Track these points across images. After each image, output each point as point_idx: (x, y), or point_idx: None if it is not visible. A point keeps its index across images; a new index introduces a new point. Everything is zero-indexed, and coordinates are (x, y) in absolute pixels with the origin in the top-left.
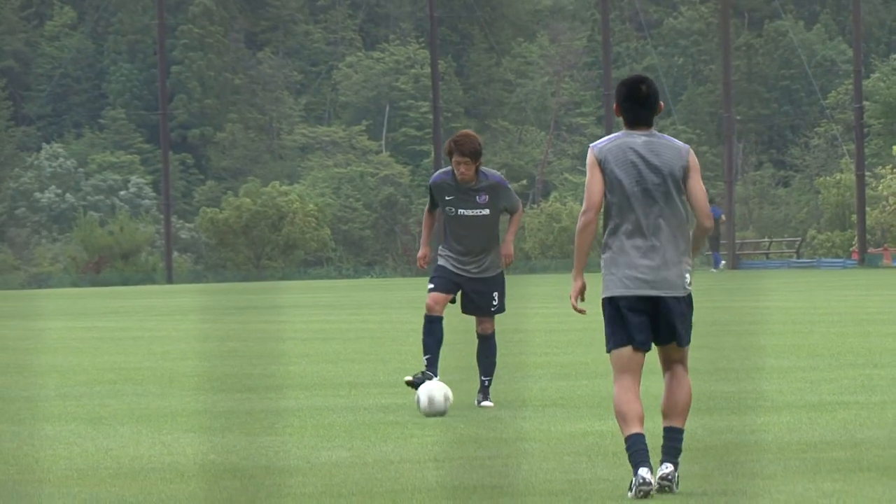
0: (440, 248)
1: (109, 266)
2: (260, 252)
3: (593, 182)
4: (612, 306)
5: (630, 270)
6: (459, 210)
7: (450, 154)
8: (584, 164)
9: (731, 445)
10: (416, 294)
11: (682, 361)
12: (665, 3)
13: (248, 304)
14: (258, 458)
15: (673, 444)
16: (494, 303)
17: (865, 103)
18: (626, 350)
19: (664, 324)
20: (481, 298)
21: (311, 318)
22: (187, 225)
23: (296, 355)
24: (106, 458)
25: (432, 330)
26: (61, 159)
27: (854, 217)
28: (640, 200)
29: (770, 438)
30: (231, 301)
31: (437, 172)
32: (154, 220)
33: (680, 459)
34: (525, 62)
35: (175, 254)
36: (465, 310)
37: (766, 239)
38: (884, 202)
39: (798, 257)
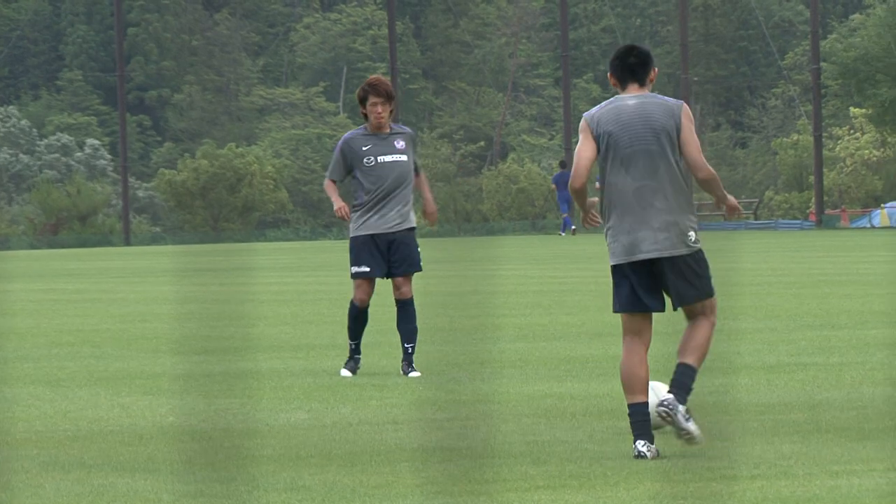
0: (355, 215)
1: (67, 228)
2: (218, 214)
3: (582, 148)
4: (618, 272)
5: (630, 235)
6: (379, 157)
7: (362, 101)
8: (541, 126)
9: (690, 406)
10: None
11: (704, 313)
12: None
13: (206, 266)
14: (217, 420)
15: (681, 379)
16: (419, 259)
17: (823, 64)
18: (633, 315)
19: (674, 286)
20: (409, 253)
21: (269, 280)
22: (145, 185)
23: (254, 317)
24: (64, 420)
25: (362, 318)
26: (14, 119)
27: (811, 178)
28: (635, 161)
29: (728, 400)
30: (189, 263)
31: (348, 132)
32: (111, 182)
33: (688, 397)
34: (483, 23)
35: (132, 215)
36: (391, 273)
37: None
38: (841, 164)
39: (756, 218)
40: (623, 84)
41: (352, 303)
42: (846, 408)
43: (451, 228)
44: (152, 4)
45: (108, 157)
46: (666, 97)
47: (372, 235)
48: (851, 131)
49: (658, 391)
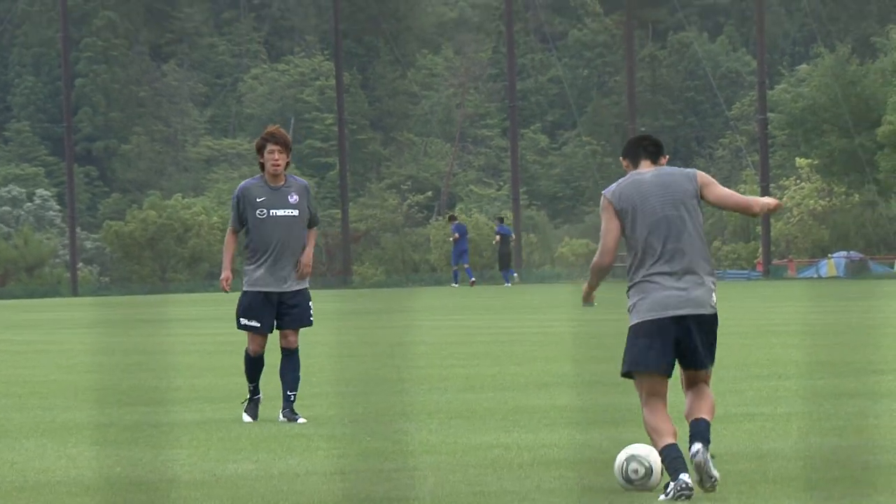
0: (248, 268)
1: (14, 279)
2: (165, 265)
3: (609, 227)
4: (640, 331)
5: (657, 295)
6: (272, 211)
7: (260, 149)
8: (489, 176)
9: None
10: (321, 306)
11: (706, 380)
12: (569, 14)
13: (154, 317)
14: (164, 470)
15: (699, 431)
16: (311, 315)
17: (770, 115)
18: (654, 376)
19: (692, 344)
20: (300, 311)
21: (216, 330)
22: (92, 236)
23: (201, 368)
24: (11, 471)
25: (258, 364)
26: None
27: (759, 229)
28: (659, 231)
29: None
30: (136, 314)
31: (245, 180)
32: (59, 233)
33: (709, 447)
34: (430, 74)
35: (80, 266)
36: (281, 325)
37: None
38: (788, 213)
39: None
40: (636, 163)
41: (246, 352)
42: (793, 458)
43: (398, 279)
44: (100, 56)
45: (57, 207)
46: (678, 169)
47: (265, 293)
48: (798, 182)
49: (640, 456)
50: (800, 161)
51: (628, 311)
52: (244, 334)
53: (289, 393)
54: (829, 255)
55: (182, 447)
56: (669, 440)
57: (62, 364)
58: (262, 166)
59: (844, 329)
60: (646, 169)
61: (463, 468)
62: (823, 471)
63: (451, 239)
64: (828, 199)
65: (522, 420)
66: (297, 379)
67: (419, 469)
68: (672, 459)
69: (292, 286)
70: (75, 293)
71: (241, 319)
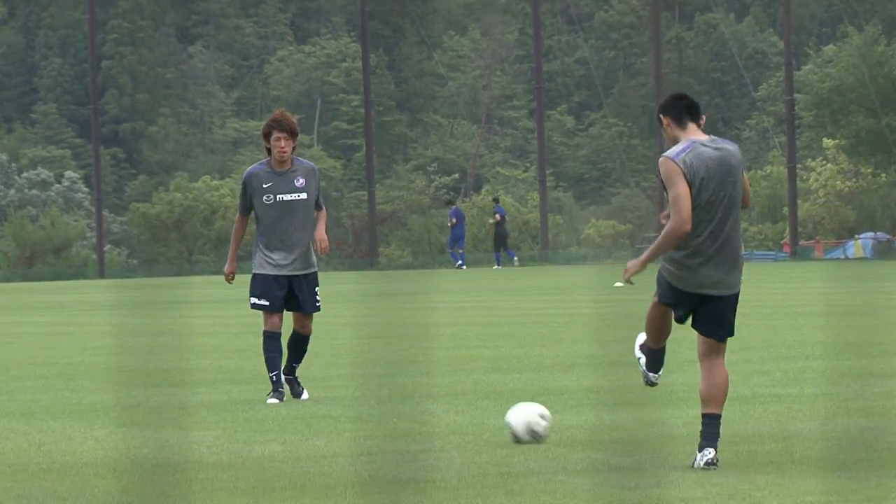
0: (258, 253)
1: (41, 261)
2: (192, 247)
3: (684, 192)
4: (670, 289)
5: (698, 273)
6: (279, 196)
7: (267, 135)
8: (515, 158)
9: (664, 438)
10: (348, 288)
11: (721, 352)
12: None
13: (180, 299)
14: (191, 452)
15: (712, 430)
16: (318, 301)
17: (797, 96)
18: (665, 308)
19: (713, 319)
20: (305, 297)
21: (243, 311)
22: (119, 219)
23: (228, 350)
24: (38, 453)
25: (275, 346)
26: None
27: (786, 210)
28: (716, 206)
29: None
30: (163, 296)
31: (252, 166)
32: (87, 215)
33: (718, 444)
34: (456, 56)
35: (107, 248)
36: (290, 308)
37: None
38: (814, 195)
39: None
40: (681, 124)
41: (264, 333)
42: (820, 439)
43: (424, 261)
44: (126, 38)
45: (85, 189)
46: (729, 143)
47: (275, 276)
48: (824, 163)
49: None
50: (826, 142)
51: (658, 270)
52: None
53: (293, 364)
54: (856, 236)
55: (208, 429)
56: (661, 344)
57: (88, 346)
58: (269, 151)
59: (871, 310)
60: (699, 136)
61: (490, 449)
62: (850, 452)
63: (449, 224)
64: (854, 179)
65: (549, 401)
66: (303, 355)
67: (446, 450)
68: (653, 359)
69: (301, 269)
70: (102, 275)
71: (252, 299)
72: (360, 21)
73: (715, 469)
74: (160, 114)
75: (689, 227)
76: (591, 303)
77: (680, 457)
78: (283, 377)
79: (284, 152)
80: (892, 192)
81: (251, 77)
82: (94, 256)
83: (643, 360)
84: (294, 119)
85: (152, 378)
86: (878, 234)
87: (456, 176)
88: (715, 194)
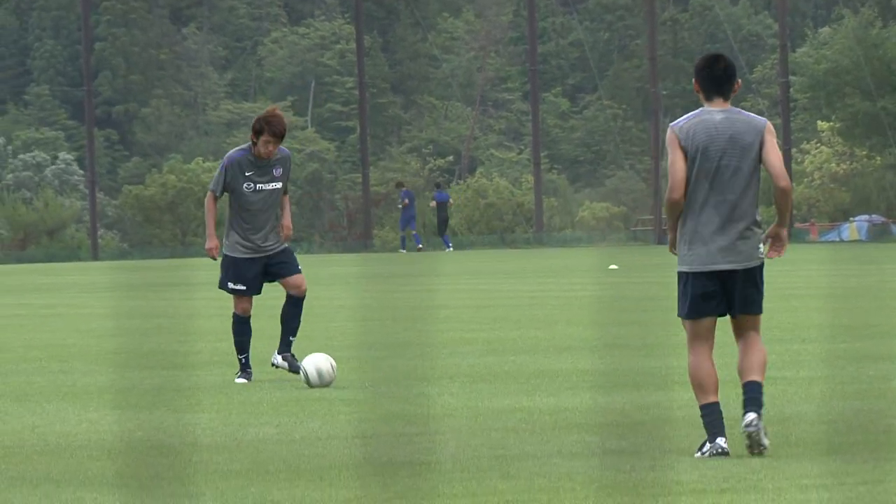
0: (231, 235)
1: (35, 242)
2: (186, 228)
3: (676, 161)
4: (687, 279)
5: (706, 246)
6: (258, 185)
7: (258, 132)
8: (510, 140)
9: (660, 421)
10: (343, 270)
11: (755, 328)
12: None
13: (175, 281)
14: (185, 434)
15: (753, 396)
16: (298, 263)
17: (792, 78)
18: (700, 321)
19: (738, 294)
20: (285, 262)
21: None
22: (113, 202)
23: (222, 332)
24: (32, 435)
25: (246, 329)
26: None
27: None
28: (719, 175)
29: (698, 414)
30: (157, 277)
31: (234, 150)
32: (81, 197)
33: (762, 412)
34: (451, 37)
35: (101, 230)
36: (281, 275)
37: None
38: (809, 177)
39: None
40: (708, 96)
41: (234, 314)
42: (816, 422)
43: None
44: (120, 19)
45: (80, 171)
46: (751, 114)
47: (249, 258)
48: (819, 145)
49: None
50: (821, 124)
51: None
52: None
53: (290, 338)
54: (851, 219)
55: (203, 411)
56: (712, 398)
57: (83, 328)
58: (253, 142)
59: (866, 292)
60: (717, 106)
61: (485, 432)
62: (846, 434)
63: (399, 205)
64: (849, 162)
65: (544, 384)
66: (299, 326)
67: (441, 433)
68: (711, 421)
69: (275, 248)
70: (96, 257)
71: (229, 283)
72: (354, 2)
73: (757, 431)
74: (153, 95)
75: (677, 194)
76: (586, 285)
77: (675, 440)
78: (276, 357)
79: (270, 154)
80: (886, 175)
81: (245, 59)
82: (88, 239)
83: (705, 447)
84: (285, 122)
85: (147, 360)
86: (873, 216)
87: (450, 158)
88: (718, 162)
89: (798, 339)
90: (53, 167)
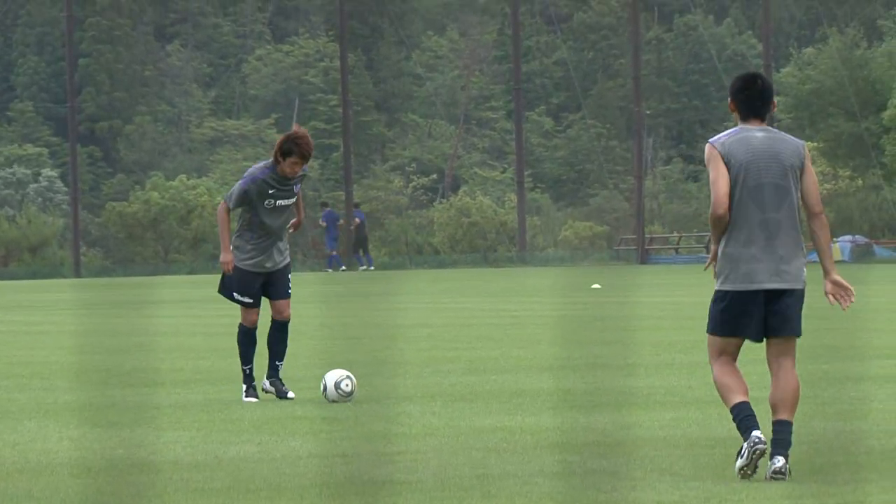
0: (243, 246)
1: (16, 259)
2: (168, 246)
3: (720, 177)
4: (726, 296)
5: (751, 265)
6: (278, 202)
7: (285, 153)
8: (493, 159)
9: (640, 441)
10: (325, 289)
11: (791, 354)
12: None
13: (157, 299)
14: (166, 452)
15: (783, 437)
16: (289, 288)
17: (776, 98)
18: (731, 340)
19: (778, 316)
20: (282, 283)
21: (220, 312)
22: (96, 219)
23: (204, 350)
24: (13, 452)
25: (252, 341)
26: None
27: None
28: (762, 195)
29: (679, 434)
30: (139, 295)
31: (257, 168)
32: (63, 214)
33: (790, 452)
34: (435, 56)
35: (84, 248)
36: (270, 296)
37: (675, 234)
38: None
39: (708, 252)
40: (745, 117)
41: (241, 326)
42: (797, 442)
43: (401, 261)
44: (104, 35)
45: (64, 189)
46: (789, 136)
47: (256, 272)
48: None
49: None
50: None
51: (715, 276)
52: (240, 315)
53: (277, 363)
54: (835, 239)
55: (184, 429)
56: (741, 398)
57: (64, 345)
58: (277, 161)
59: (849, 313)
60: (755, 125)
61: (466, 451)
62: (827, 455)
63: (322, 225)
64: (833, 182)
65: (526, 403)
66: (286, 349)
67: (422, 452)
68: (743, 418)
69: (280, 264)
70: (78, 274)
71: (236, 294)
72: (338, 21)
73: (784, 479)
74: (137, 112)
75: (721, 210)
76: (568, 305)
77: (656, 460)
78: (265, 381)
79: (295, 174)
80: (870, 196)
81: (229, 76)
82: (71, 257)
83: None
84: (312, 144)
85: (128, 378)
86: (857, 237)
87: (434, 176)
88: (760, 179)
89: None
90: (36, 185)
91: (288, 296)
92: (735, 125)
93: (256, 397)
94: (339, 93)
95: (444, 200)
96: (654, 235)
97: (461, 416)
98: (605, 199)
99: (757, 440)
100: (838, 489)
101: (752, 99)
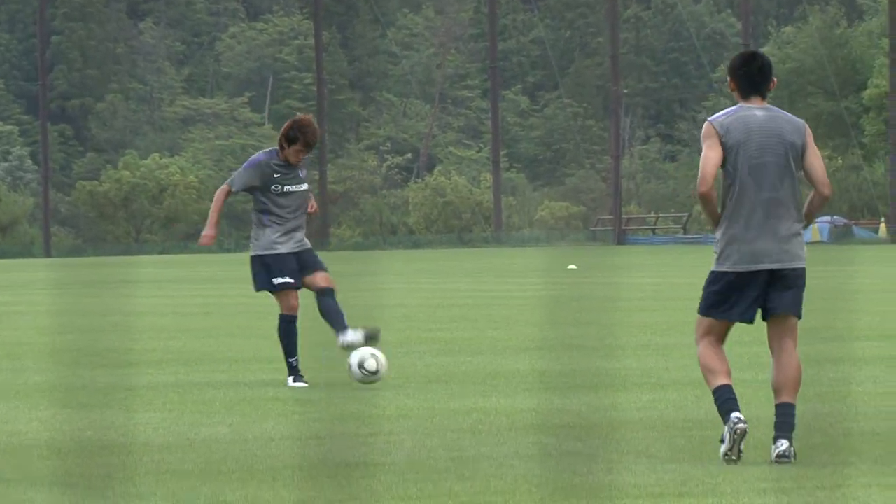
0: (263, 233)
1: None
2: (140, 225)
3: (709, 154)
4: (724, 279)
5: (752, 245)
6: (286, 187)
7: (291, 140)
8: (469, 138)
9: (617, 423)
10: None
11: (792, 335)
12: None
13: (128, 278)
14: (137, 434)
15: (786, 420)
16: (321, 261)
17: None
18: (722, 322)
19: (778, 295)
20: (314, 259)
21: (192, 292)
22: (66, 198)
23: (176, 330)
24: None
25: (294, 330)
26: None
27: None
28: (764, 172)
29: (656, 416)
30: (110, 275)
31: (261, 153)
32: (33, 193)
33: (794, 435)
34: (410, 34)
35: (54, 227)
36: (307, 272)
37: (652, 214)
38: None
39: (685, 233)
40: (745, 95)
41: (283, 316)
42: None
43: (376, 241)
44: (76, 12)
45: (34, 167)
46: (790, 115)
47: (284, 254)
48: None
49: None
50: None
51: (714, 253)
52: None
53: (343, 322)
54: (813, 220)
55: (155, 410)
56: (724, 380)
57: (34, 325)
58: (282, 147)
59: (827, 294)
60: (755, 104)
61: (440, 433)
62: (805, 438)
63: None
64: None
65: (501, 384)
66: (344, 315)
67: (395, 433)
68: (724, 401)
69: (306, 245)
70: (48, 254)
71: (274, 279)
72: None
73: (789, 462)
74: (109, 90)
75: (704, 188)
76: (544, 285)
77: (633, 442)
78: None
79: (299, 161)
80: (849, 176)
81: (202, 54)
82: (41, 236)
83: (724, 434)
84: (318, 132)
85: (99, 359)
86: (835, 217)
87: (409, 156)
88: (761, 158)
89: (758, 341)
90: (6, 163)
91: (325, 268)
92: (735, 104)
93: (305, 383)
94: (313, 71)
95: (419, 180)
96: (631, 216)
97: (436, 397)
98: (582, 178)
99: (736, 420)
100: (816, 471)
101: (752, 75)
